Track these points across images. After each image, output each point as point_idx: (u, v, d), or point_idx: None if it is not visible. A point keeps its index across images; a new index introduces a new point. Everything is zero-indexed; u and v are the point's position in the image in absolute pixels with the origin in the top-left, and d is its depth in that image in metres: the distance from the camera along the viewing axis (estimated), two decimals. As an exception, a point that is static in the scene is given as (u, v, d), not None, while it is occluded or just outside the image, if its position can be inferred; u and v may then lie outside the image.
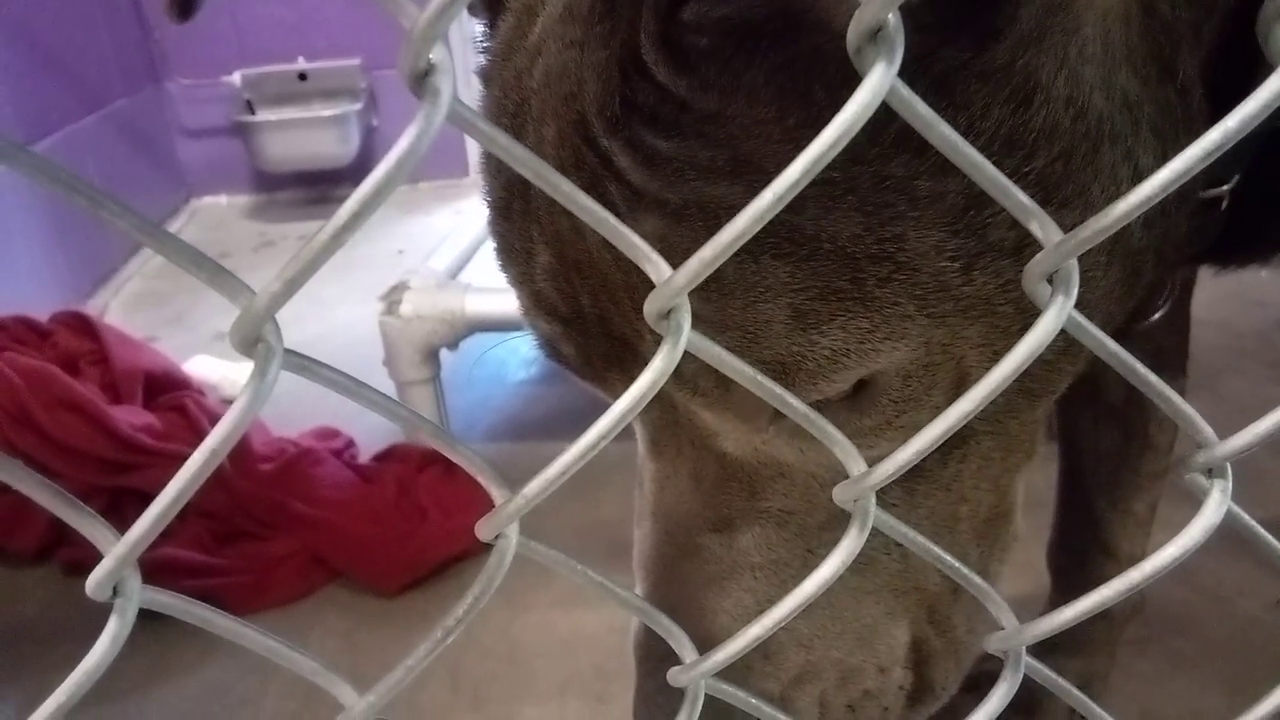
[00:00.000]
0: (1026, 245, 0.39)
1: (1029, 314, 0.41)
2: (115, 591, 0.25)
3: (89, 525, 0.25)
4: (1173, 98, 0.43)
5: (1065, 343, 0.45)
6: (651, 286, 0.39)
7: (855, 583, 0.48)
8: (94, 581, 0.25)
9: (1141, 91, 0.42)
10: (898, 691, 0.50)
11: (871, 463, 0.42)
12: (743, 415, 0.44)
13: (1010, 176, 0.38)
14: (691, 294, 0.38)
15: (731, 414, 0.44)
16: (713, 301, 0.40)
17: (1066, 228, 0.40)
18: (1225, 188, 0.51)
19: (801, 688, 0.49)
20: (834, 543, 0.38)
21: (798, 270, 0.38)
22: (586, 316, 0.45)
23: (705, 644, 0.38)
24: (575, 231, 0.43)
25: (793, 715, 0.45)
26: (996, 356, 0.42)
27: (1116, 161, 0.41)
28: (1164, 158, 0.42)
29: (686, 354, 0.39)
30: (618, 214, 0.40)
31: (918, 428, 0.43)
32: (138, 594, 0.25)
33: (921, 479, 0.46)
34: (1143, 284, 0.48)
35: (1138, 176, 0.41)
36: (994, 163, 0.37)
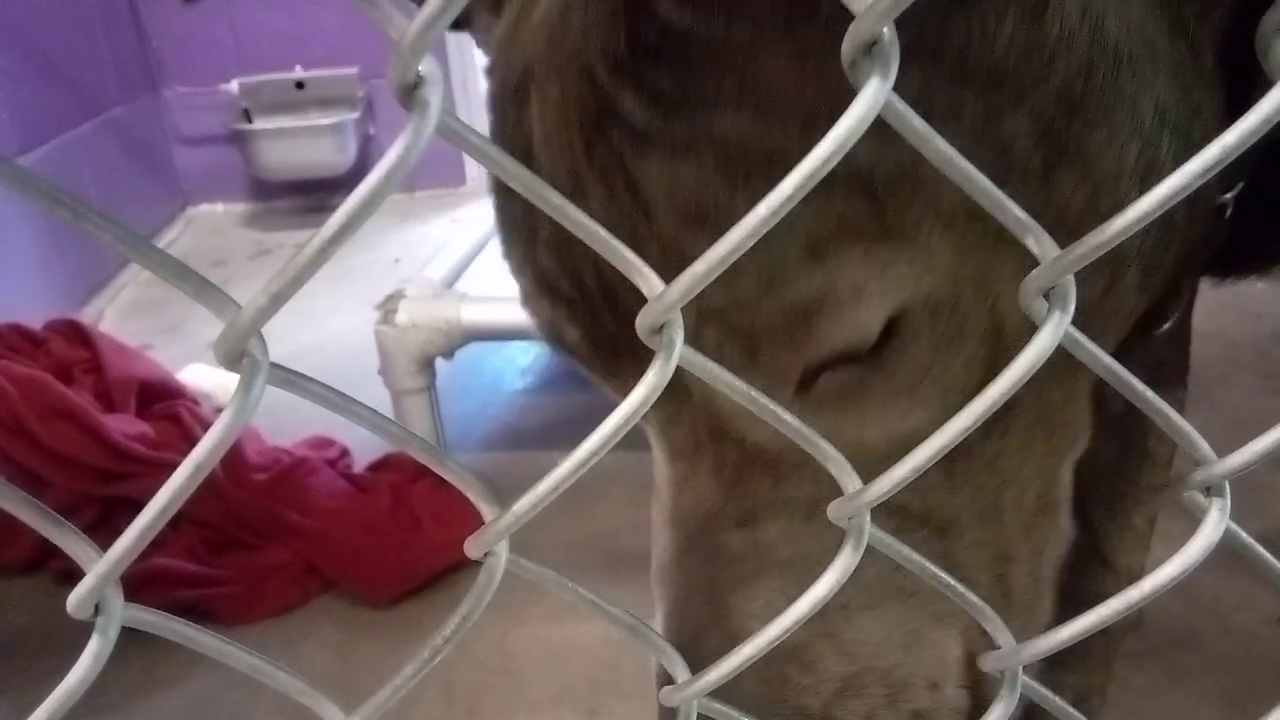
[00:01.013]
0: (1054, 167, 0.38)
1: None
2: (97, 610, 0.25)
3: (71, 542, 0.24)
4: (1184, 52, 0.42)
5: (1108, 281, 0.42)
6: (664, 248, 0.38)
7: (898, 581, 0.43)
8: (75, 600, 0.25)
9: (1155, 33, 0.40)
10: (953, 715, 0.45)
11: (902, 439, 0.40)
12: (763, 388, 0.42)
13: (1031, 87, 0.36)
14: (700, 239, 0.37)
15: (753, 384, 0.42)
16: None
17: (1092, 151, 0.39)
18: (1229, 195, 0.50)
19: (845, 704, 0.44)
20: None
21: (812, 200, 0.37)
22: (591, 294, 0.43)
23: (724, 647, 0.36)
24: (579, 194, 0.41)
25: None
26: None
27: (1139, 92, 0.39)
28: (1182, 104, 0.41)
29: (704, 319, 0.38)
30: (624, 161, 0.39)
31: (953, 388, 0.41)
32: (120, 612, 0.25)
33: (960, 457, 0.42)
34: (1156, 284, 0.46)
35: (1161, 116, 0.40)
36: (1013, 71, 0.37)
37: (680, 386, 0.43)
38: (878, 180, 0.36)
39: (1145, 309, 0.48)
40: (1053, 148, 0.38)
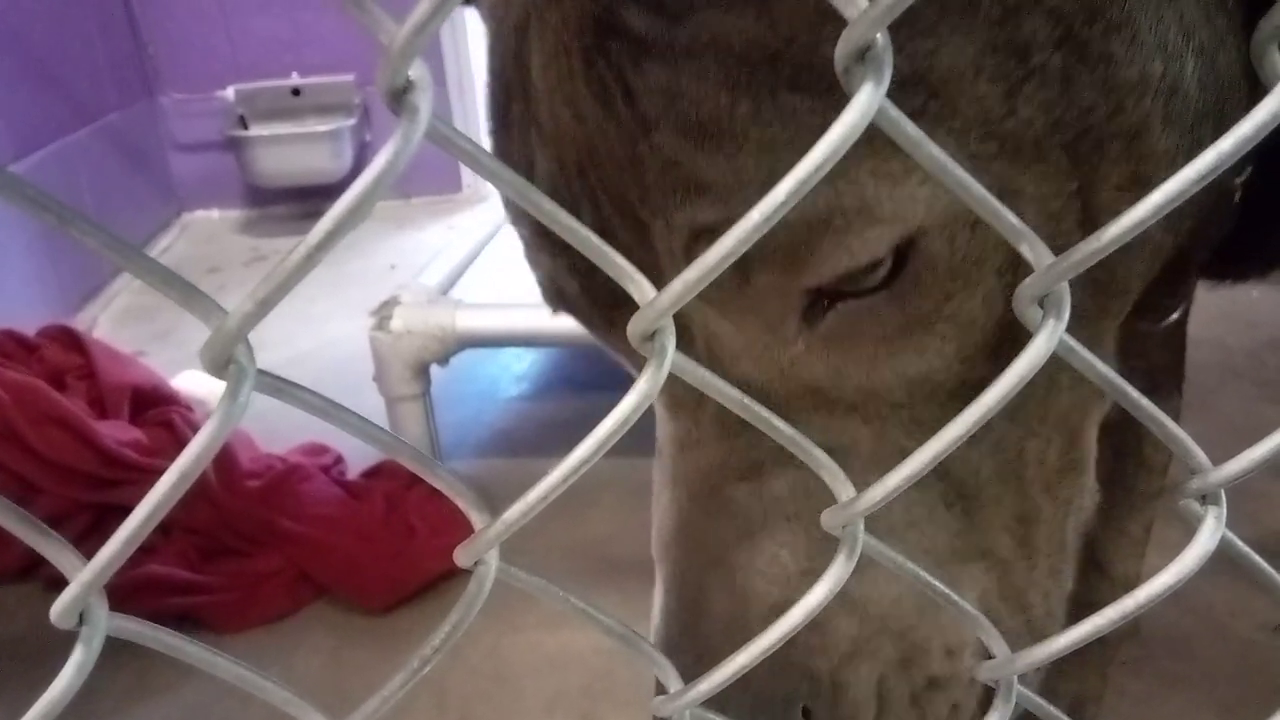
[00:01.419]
0: (1074, 71, 0.36)
1: (1084, 167, 0.37)
2: (82, 619, 0.25)
3: (54, 550, 0.24)
4: None
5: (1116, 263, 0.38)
6: (663, 164, 0.37)
7: (913, 538, 0.41)
8: (59, 609, 0.24)
9: None
10: (969, 686, 0.42)
11: (917, 382, 0.38)
12: (767, 320, 0.39)
13: None
14: (700, 152, 0.35)
15: (753, 318, 0.39)
16: (725, 156, 0.36)
17: (1115, 57, 0.37)
18: (1238, 179, 0.48)
19: (857, 668, 0.41)
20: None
21: (818, 104, 0.34)
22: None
23: (736, 612, 0.35)
24: (577, 120, 0.39)
25: (847, 704, 0.39)
26: (1054, 221, 0.37)
27: (1163, 6, 0.37)
28: (1206, 28, 0.39)
29: (698, 237, 0.36)
30: (623, 74, 0.37)
31: (972, 326, 0.39)
32: (104, 622, 0.25)
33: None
34: (1156, 267, 0.44)
35: (1186, 35, 0.38)
36: None
37: (682, 328, 0.40)
38: (892, 82, 0.35)
39: (1146, 296, 0.46)
40: (1072, 51, 0.36)
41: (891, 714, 0.41)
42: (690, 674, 0.33)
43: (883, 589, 0.40)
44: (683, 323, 0.41)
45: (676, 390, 0.43)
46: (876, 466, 0.38)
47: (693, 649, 0.41)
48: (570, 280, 0.44)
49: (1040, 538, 0.45)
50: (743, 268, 0.36)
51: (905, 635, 0.41)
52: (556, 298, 0.46)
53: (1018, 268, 0.37)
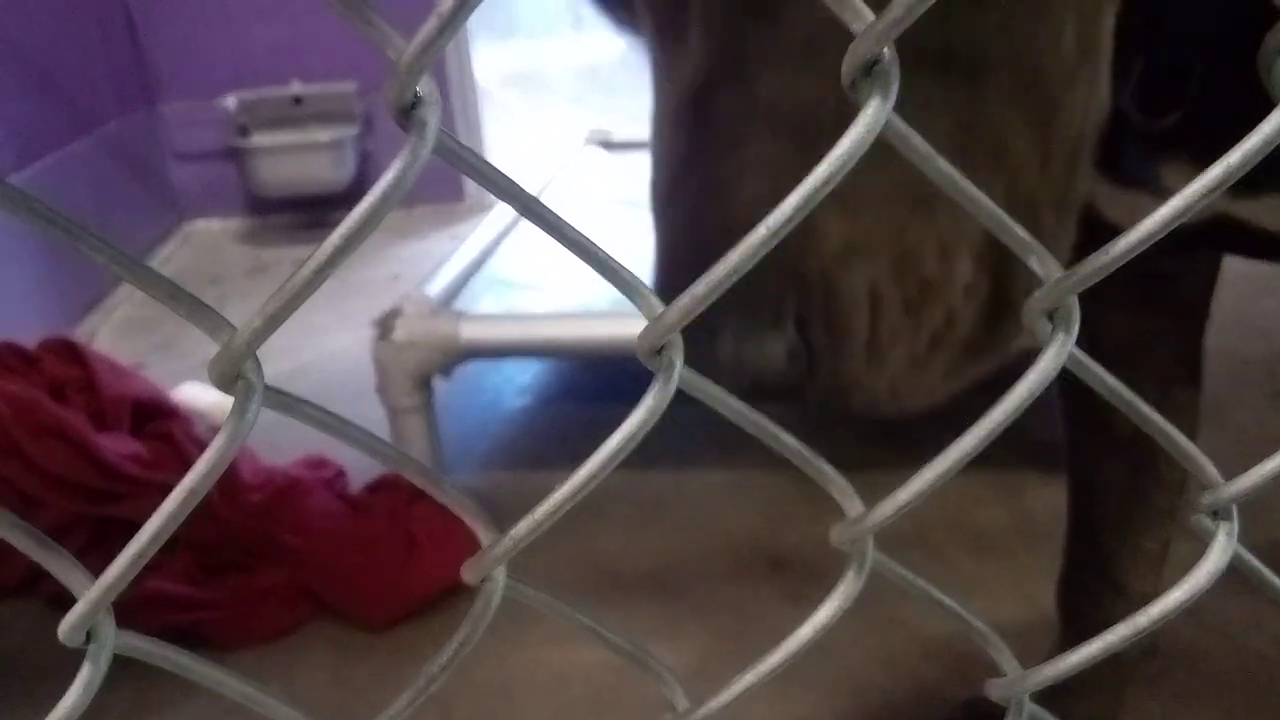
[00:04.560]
0: None
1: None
2: (89, 637, 0.25)
3: (62, 568, 0.24)
4: None
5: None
6: None
7: (921, 122, 0.36)
8: (67, 627, 0.24)
9: None
10: (965, 294, 0.39)
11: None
12: None
13: None
14: None
15: None
16: None
17: None
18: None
19: (848, 267, 0.38)
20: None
21: None
22: None
23: (725, 215, 0.34)
24: None
25: (838, 305, 0.37)
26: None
27: None
28: None
29: None
30: None
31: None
32: (112, 639, 0.25)
33: None
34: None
35: None
36: None
37: None
38: None
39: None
40: None
41: (885, 322, 0.39)
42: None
43: (874, 180, 0.37)
44: None
45: (662, 19, 0.42)
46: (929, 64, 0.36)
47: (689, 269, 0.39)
48: None
49: (1055, 141, 0.42)
50: None
51: (898, 236, 0.38)
52: None
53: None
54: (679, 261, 0.41)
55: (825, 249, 0.38)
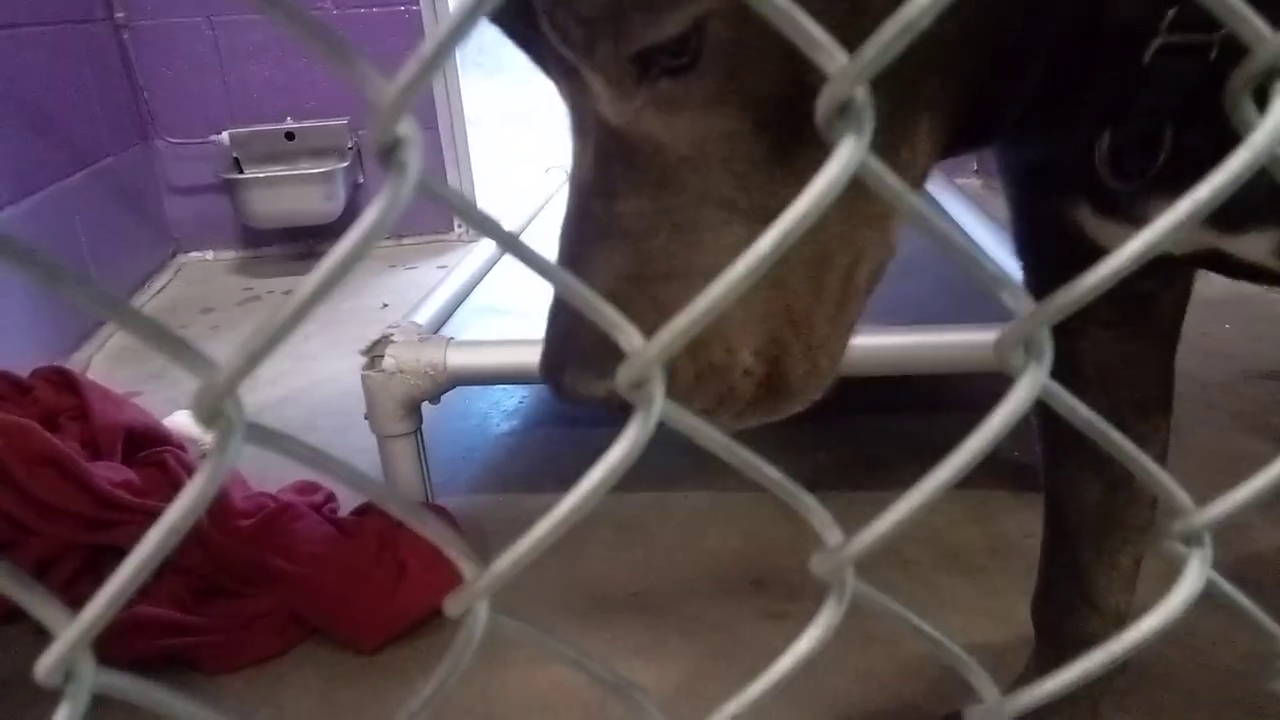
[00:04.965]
0: None
1: None
2: (68, 676, 0.25)
3: (39, 605, 0.24)
4: None
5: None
6: None
7: (715, 247, 0.49)
8: (44, 666, 0.24)
9: None
10: (745, 376, 0.51)
11: (726, 139, 0.46)
12: (613, 78, 0.48)
13: None
14: None
15: (603, 75, 0.48)
16: None
17: None
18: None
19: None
20: (700, 224, 0.48)
21: None
22: None
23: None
24: None
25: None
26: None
27: None
28: None
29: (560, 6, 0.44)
30: None
31: (756, 103, 0.46)
32: (90, 679, 0.25)
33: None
34: (957, 77, 0.50)
35: None
36: None
37: (579, 73, 0.49)
38: None
39: (963, 121, 0.53)
40: None
41: (680, 384, 0.50)
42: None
43: (682, 293, 0.48)
44: (579, 71, 0.49)
45: (578, 114, 0.52)
46: (703, 206, 0.49)
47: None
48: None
49: (831, 281, 0.52)
50: (587, 34, 0.46)
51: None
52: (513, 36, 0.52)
53: (799, 57, 0.41)
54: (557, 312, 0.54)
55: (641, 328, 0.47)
